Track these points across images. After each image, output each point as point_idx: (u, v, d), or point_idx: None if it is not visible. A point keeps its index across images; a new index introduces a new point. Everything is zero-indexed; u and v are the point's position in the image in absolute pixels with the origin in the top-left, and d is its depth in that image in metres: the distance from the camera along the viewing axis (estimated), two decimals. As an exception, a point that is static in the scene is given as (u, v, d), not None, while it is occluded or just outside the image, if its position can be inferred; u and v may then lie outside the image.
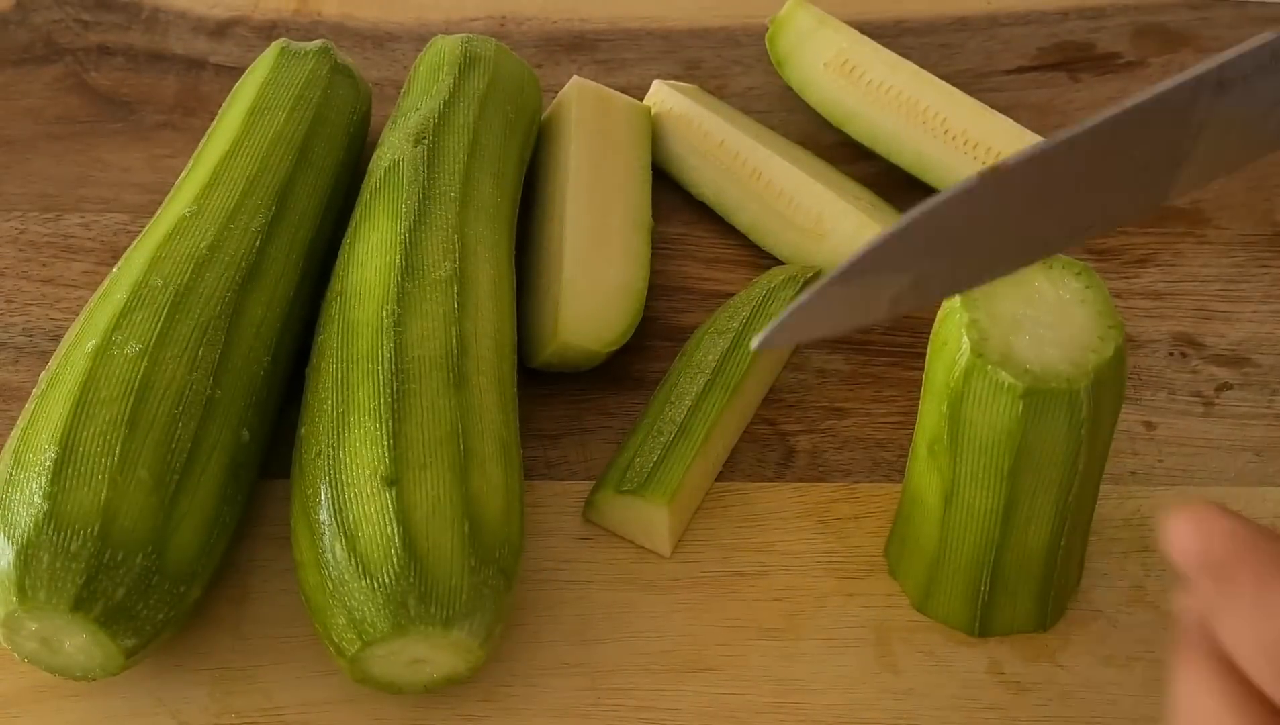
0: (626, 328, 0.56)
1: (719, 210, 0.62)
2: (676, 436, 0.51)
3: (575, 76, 0.63)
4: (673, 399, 0.53)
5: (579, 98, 0.62)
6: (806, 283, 0.57)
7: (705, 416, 0.52)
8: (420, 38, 0.71)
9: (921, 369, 0.57)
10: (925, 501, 0.46)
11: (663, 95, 0.64)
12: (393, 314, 0.48)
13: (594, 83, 0.63)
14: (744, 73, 0.70)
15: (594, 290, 0.56)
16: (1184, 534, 0.35)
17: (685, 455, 0.51)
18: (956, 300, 0.43)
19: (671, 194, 0.64)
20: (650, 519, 0.50)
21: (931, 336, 0.45)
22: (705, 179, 0.62)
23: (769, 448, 0.54)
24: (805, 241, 0.59)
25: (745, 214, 0.61)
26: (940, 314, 0.44)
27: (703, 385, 0.53)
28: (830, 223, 0.59)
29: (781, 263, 0.60)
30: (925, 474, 0.46)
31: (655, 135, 0.64)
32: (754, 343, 0.37)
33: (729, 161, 0.62)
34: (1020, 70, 0.70)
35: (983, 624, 0.48)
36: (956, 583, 0.47)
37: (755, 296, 0.56)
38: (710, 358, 0.54)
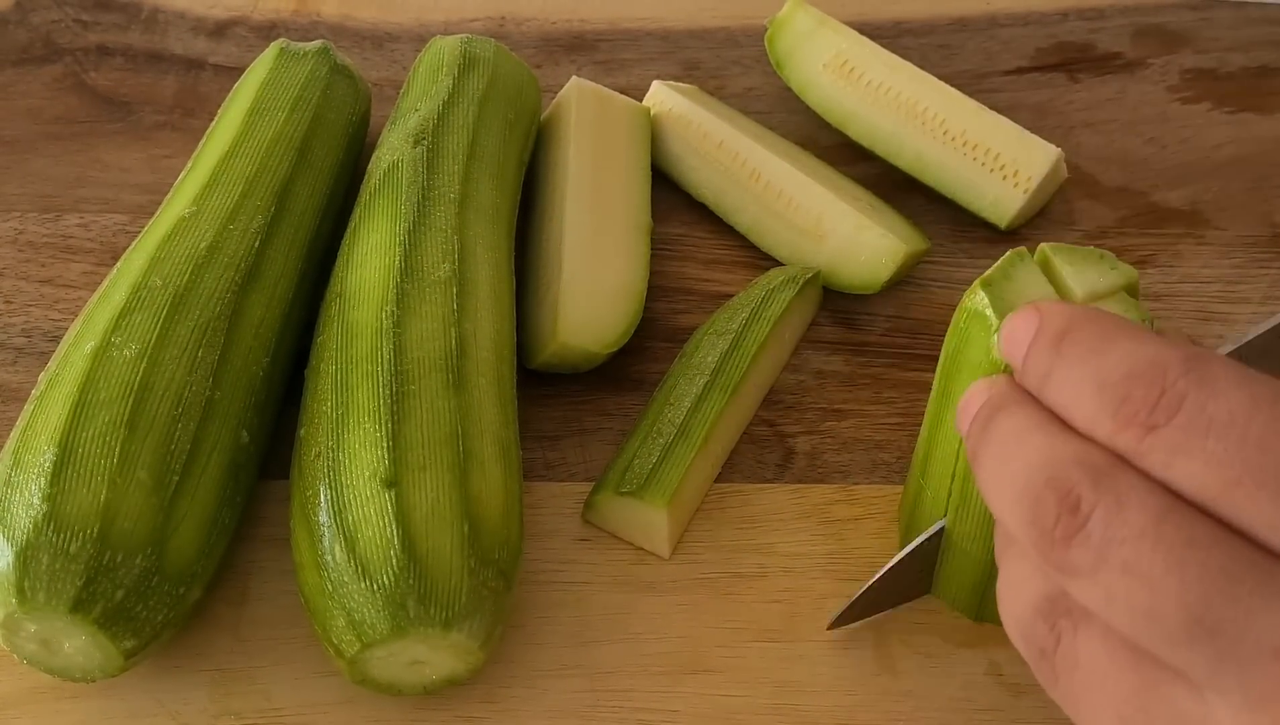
0: (626, 329, 0.56)
1: (718, 211, 0.62)
2: (676, 438, 0.51)
3: (575, 77, 0.63)
4: (672, 400, 0.53)
5: (578, 98, 0.62)
6: (806, 283, 0.57)
7: (704, 418, 0.52)
8: (420, 38, 0.71)
9: (920, 370, 0.57)
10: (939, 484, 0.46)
11: (661, 96, 0.64)
12: (392, 315, 0.48)
13: (593, 83, 0.63)
14: (743, 73, 0.70)
15: (593, 291, 0.56)
16: (1022, 320, 0.36)
17: (684, 456, 0.51)
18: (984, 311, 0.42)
19: (671, 194, 0.64)
20: (649, 521, 0.50)
21: (950, 339, 0.44)
22: (704, 180, 0.62)
23: (768, 449, 0.54)
24: (805, 242, 0.59)
25: (745, 215, 0.61)
26: (961, 323, 0.44)
27: (702, 386, 0.53)
28: (830, 224, 0.59)
29: (781, 264, 0.60)
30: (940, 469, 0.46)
31: (654, 136, 0.64)
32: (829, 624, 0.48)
33: (728, 162, 0.62)
34: (1019, 71, 0.70)
35: (980, 609, 0.48)
36: (964, 567, 0.47)
37: (755, 298, 0.56)
38: (710, 359, 0.54)
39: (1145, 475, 0.32)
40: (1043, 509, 0.33)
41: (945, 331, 0.45)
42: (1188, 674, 0.31)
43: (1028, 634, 0.35)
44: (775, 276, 0.58)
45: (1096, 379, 0.34)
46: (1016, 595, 0.35)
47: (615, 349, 0.55)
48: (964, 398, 0.39)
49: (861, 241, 0.58)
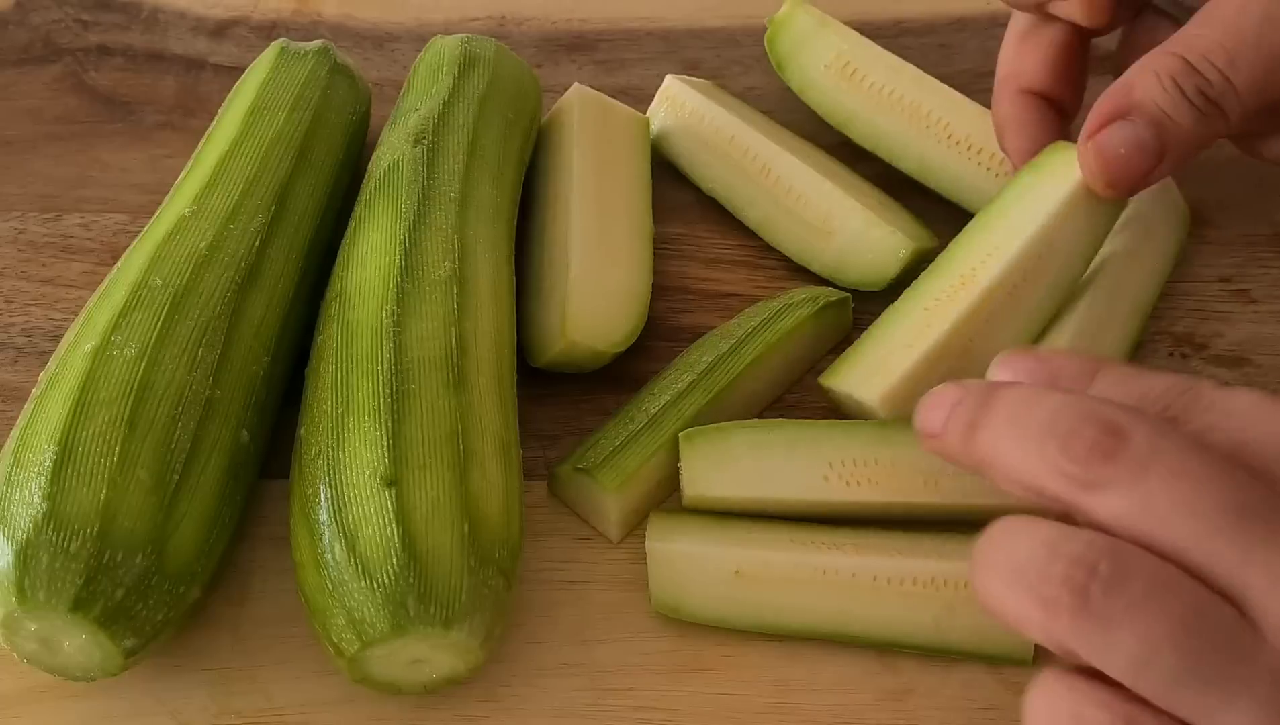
0: (632, 330, 0.56)
1: (728, 206, 0.62)
2: (645, 427, 0.51)
3: (576, 84, 0.63)
4: (655, 391, 0.53)
5: (581, 104, 0.62)
6: (829, 306, 0.56)
7: (680, 413, 0.52)
8: (420, 38, 0.71)
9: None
10: None
11: (675, 90, 0.64)
12: (392, 314, 0.48)
13: (595, 91, 0.63)
14: (744, 73, 0.70)
15: (600, 292, 0.56)
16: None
17: (648, 446, 0.51)
18: None
19: (672, 194, 0.64)
20: (599, 502, 0.50)
21: None
22: (716, 175, 0.62)
23: (769, 448, 0.54)
24: (813, 238, 0.59)
25: (755, 210, 0.61)
26: None
27: (686, 383, 0.53)
28: (838, 220, 0.59)
29: (786, 259, 0.60)
30: None
31: (666, 130, 0.64)
32: None
33: (740, 157, 0.62)
34: (1020, 70, 0.70)
35: None
36: None
37: (770, 309, 0.56)
38: (705, 359, 0.54)
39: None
40: (1078, 438, 0.35)
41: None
42: (1215, 569, 0.34)
43: (1042, 585, 0.34)
44: (797, 293, 0.57)
45: (1136, 391, 0.38)
46: (1014, 553, 0.35)
47: (621, 349, 0.55)
48: (927, 401, 0.40)
49: (869, 238, 0.58)
